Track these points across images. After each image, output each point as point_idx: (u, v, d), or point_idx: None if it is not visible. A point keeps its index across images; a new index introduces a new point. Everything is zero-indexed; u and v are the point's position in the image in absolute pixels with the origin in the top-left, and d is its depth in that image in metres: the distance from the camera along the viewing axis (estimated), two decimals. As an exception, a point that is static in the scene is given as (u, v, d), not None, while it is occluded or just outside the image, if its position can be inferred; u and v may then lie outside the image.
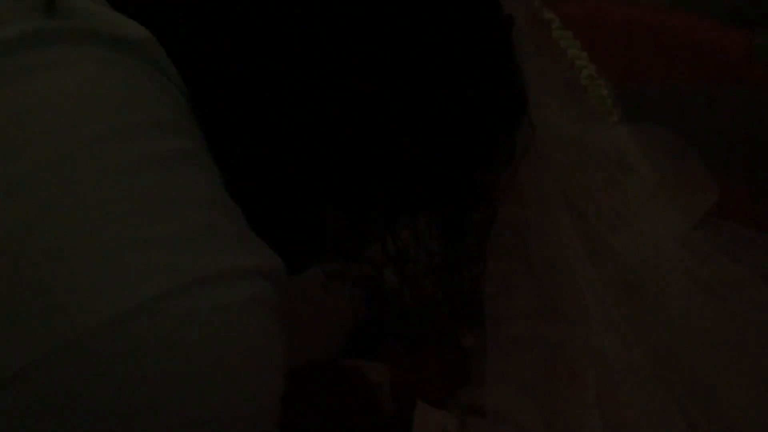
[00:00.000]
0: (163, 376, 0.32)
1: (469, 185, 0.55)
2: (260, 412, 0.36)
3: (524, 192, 0.67)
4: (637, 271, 0.67)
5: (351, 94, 0.44)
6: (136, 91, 0.38)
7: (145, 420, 0.32)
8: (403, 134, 0.47)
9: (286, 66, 0.43)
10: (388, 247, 0.65)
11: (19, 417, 0.31)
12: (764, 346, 0.65)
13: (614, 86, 0.70)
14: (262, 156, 0.45)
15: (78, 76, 0.36)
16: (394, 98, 0.45)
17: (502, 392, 0.67)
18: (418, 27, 0.45)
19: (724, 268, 0.68)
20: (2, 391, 0.31)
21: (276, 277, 0.38)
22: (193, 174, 0.37)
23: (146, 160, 0.35)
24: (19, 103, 0.35)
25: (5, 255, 0.32)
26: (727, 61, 0.81)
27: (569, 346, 0.65)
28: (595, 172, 0.68)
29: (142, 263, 0.33)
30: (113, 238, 0.33)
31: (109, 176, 0.34)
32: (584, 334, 0.64)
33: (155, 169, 0.35)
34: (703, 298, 0.66)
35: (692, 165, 0.71)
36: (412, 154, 0.48)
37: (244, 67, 0.43)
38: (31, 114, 0.35)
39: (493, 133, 0.53)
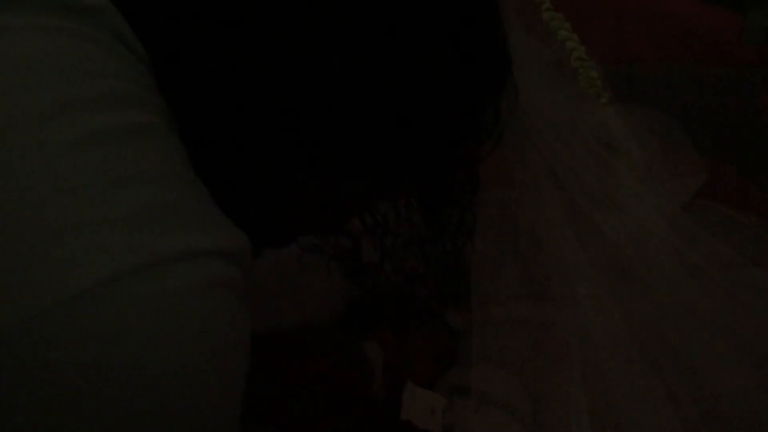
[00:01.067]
0: (112, 363, 0.31)
1: (451, 154, 0.52)
2: (219, 394, 0.34)
3: (513, 173, 0.67)
4: (625, 252, 0.67)
5: (325, 61, 0.42)
6: (88, 61, 0.35)
7: (95, 407, 0.31)
8: (382, 98, 0.44)
9: (255, 30, 0.40)
10: (365, 220, 0.63)
11: None
12: (750, 327, 0.65)
13: (604, 67, 0.70)
14: (231, 125, 0.42)
15: (22, 46, 0.34)
16: (372, 61, 0.43)
17: (488, 372, 0.67)
18: None
19: (711, 249, 0.68)
20: None
21: (239, 256, 0.36)
22: (149, 150, 0.35)
23: (95, 136, 0.33)
24: None
25: None
26: (716, 42, 0.81)
27: (556, 326, 0.66)
28: (584, 153, 0.68)
29: (89, 246, 0.31)
30: (58, 219, 0.31)
31: (53, 153, 0.32)
32: (571, 314, 0.64)
33: (105, 145, 0.33)
34: (690, 279, 0.67)
35: (681, 146, 0.71)
36: (391, 120, 0.45)
37: (209, 32, 0.40)
38: None
39: (475, 97, 0.50)
